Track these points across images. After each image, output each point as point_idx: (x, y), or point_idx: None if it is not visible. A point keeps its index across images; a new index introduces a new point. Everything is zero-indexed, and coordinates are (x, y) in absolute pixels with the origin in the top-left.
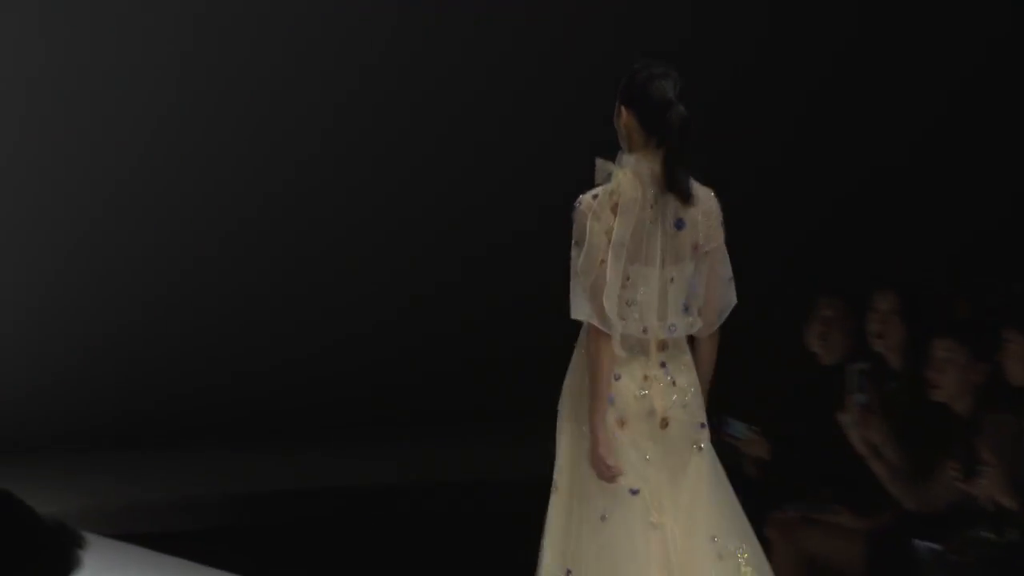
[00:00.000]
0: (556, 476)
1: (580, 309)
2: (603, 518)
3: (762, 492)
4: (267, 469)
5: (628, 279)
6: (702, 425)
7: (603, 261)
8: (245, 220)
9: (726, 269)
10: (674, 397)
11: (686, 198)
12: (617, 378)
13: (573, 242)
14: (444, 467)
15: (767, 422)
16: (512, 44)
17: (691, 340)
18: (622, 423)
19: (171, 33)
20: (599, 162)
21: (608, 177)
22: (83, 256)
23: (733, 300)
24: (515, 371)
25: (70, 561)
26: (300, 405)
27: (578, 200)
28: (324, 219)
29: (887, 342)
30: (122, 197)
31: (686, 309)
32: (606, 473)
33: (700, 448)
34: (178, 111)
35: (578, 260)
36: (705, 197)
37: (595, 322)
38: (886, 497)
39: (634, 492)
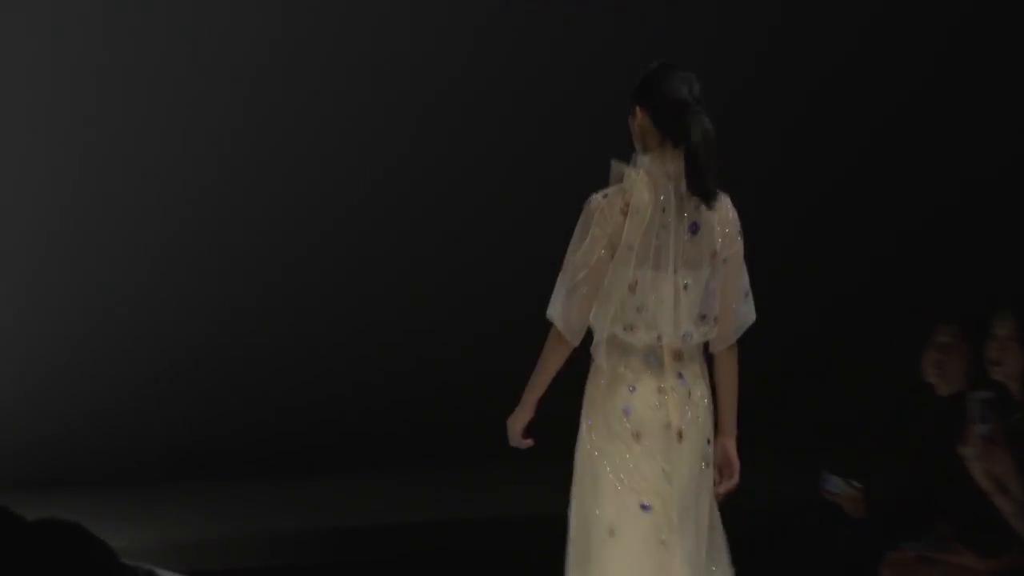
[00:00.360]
0: (580, 481)
1: (553, 307)
2: (611, 532)
3: (877, 531)
4: (346, 502)
5: (636, 284)
6: (708, 441)
7: (593, 265)
8: (308, 254)
9: (743, 281)
10: (689, 411)
11: (709, 200)
12: (632, 389)
13: (574, 236)
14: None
15: (871, 463)
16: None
17: (708, 356)
18: (638, 436)
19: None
20: (614, 163)
21: (622, 179)
22: (143, 290)
23: (751, 316)
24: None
25: None
26: (371, 435)
27: (589, 198)
28: (379, 257)
29: (1006, 370)
30: (189, 232)
31: (702, 318)
32: (512, 438)
33: (706, 465)
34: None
35: (572, 256)
36: (723, 203)
37: (559, 326)
38: (1011, 535)
39: (645, 508)
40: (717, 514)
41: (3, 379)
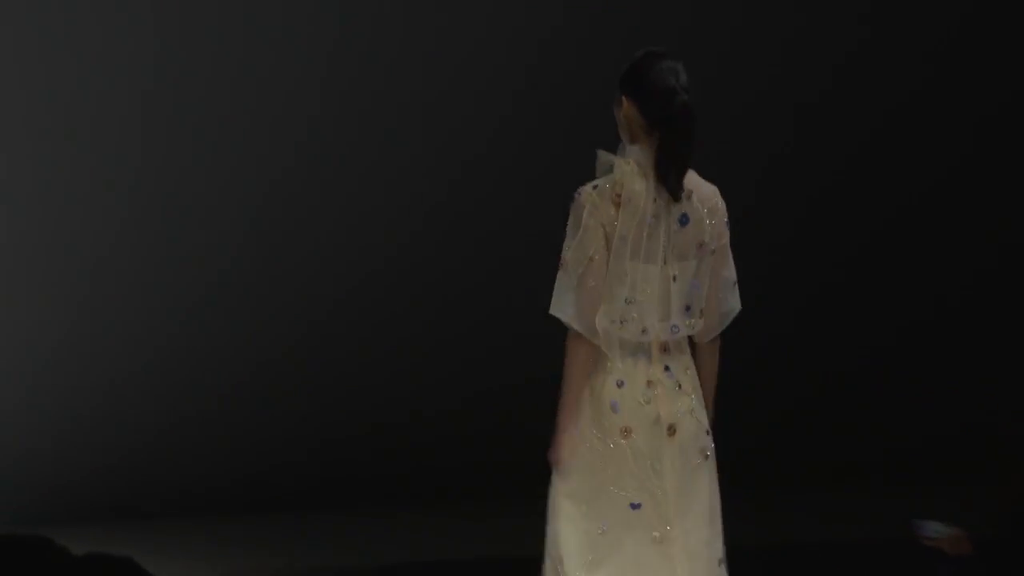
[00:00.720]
0: (560, 483)
1: (562, 307)
2: (602, 531)
3: (984, 567)
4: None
5: (627, 276)
6: (708, 432)
7: (594, 256)
8: (363, 283)
9: (730, 271)
10: (680, 403)
11: (676, 193)
12: (620, 384)
13: (567, 232)
14: None
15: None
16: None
17: (692, 346)
18: (627, 432)
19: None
20: (600, 154)
21: (610, 169)
22: (200, 319)
23: (736, 306)
24: None
25: None
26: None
27: (578, 191)
28: (436, 291)
29: None
30: (248, 256)
31: (687, 309)
32: (556, 465)
33: (707, 456)
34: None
35: (568, 252)
36: (711, 194)
37: (575, 325)
38: None
39: (635, 507)
40: (718, 502)
41: (53, 409)
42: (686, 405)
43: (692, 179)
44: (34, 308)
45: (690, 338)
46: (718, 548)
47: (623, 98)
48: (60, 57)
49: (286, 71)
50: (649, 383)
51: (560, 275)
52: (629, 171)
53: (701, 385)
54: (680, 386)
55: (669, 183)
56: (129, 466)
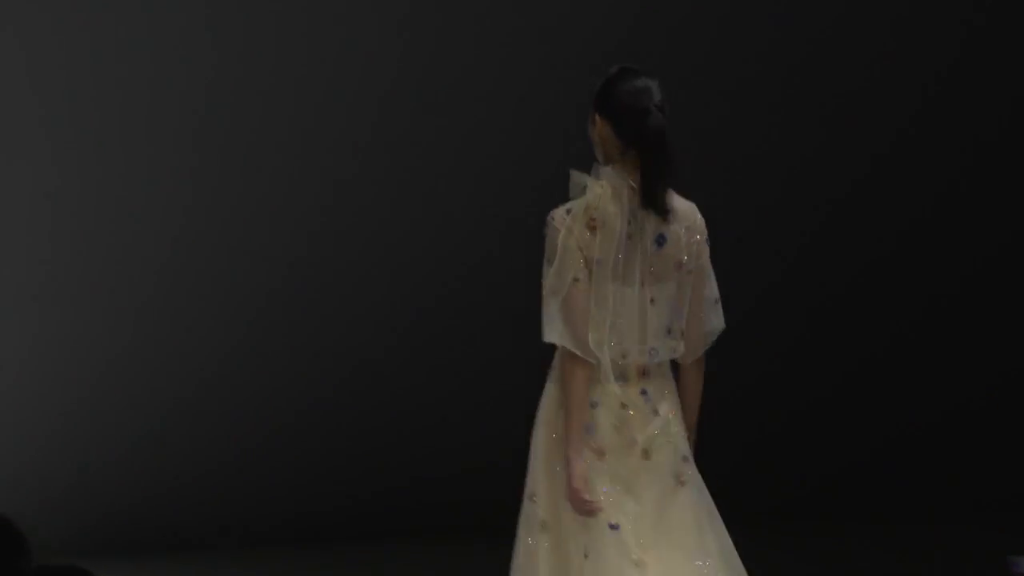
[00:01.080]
0: (534, 509)
1: (552, 331)
2: (586, 555)
3: None
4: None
5: (606, 299)
6: (685, 459)
7: (576, 280)
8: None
9: (711, 290)
10: (656, 428)
11: (664, 214)
12: (594, 406)
13: (545, 259)
14: None
15: None
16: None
17: (675, 367)
18: (601, 453)
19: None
20: (574, 174)
21: (583, 191)
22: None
23: (720, 325)
24: None
25: None
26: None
27: (551, 215)
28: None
29: None
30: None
31: (668, 332)
32: (582, 508)
33: (683, 483)
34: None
35: (549, 279)
36: (689, 211)
37: (568, 345)
38: None
39: (613, 527)
40: (722, 527)
41: (95, 441)
42: (661, 430)
43: (670, 197)
44: (67, 350)
45: (673, 361)
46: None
47: (596, 117)
48: (111, 68)
49: (363, 94)
50: (623, 406)
51: (546, 302)
52: (602, 193)
53: (685, 408)
54: (657, 411)
55: (656, 203)
56: (155, 500)
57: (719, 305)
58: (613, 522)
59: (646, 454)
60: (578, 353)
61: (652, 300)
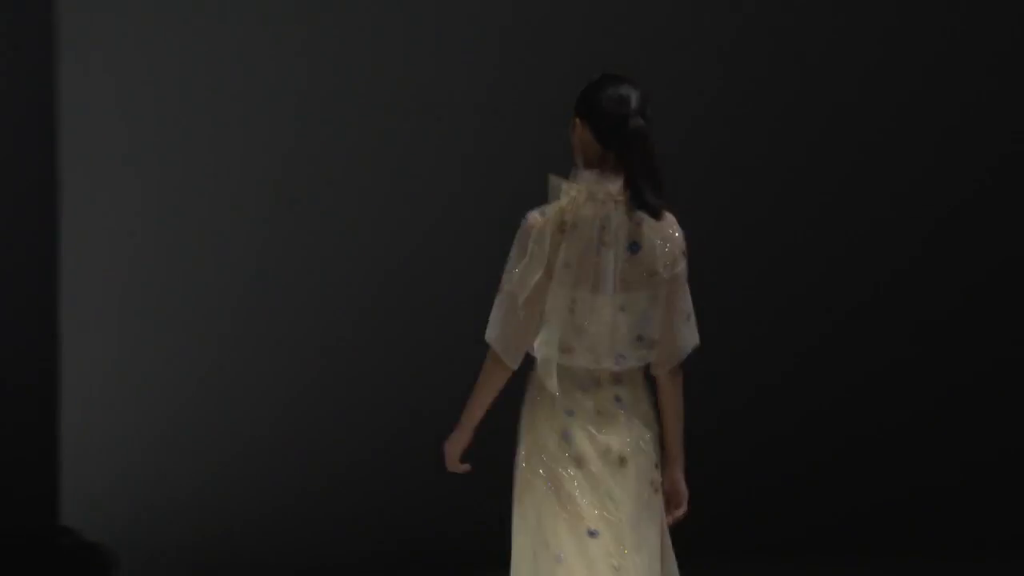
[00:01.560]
0: (521, 509)
1: (491, 329)
2: (558, 559)
3: None
4: None
5: (575, 305)
6: (656, 466)
7: (535, 284)
8: None
9: (685, 303)
10: (630, 434)
11: (654, 214)
12: (570, 414)
13: (510, 257)
14: None
15: None
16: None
17: (652, 382)
18: (579, 462)
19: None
20: (552, 178)
21: (560, 194)
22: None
23: (693, 341)
24: None
25: None
26: None
27: (526, 216)
28: None
29: None
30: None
31: (639, 339)
32: (445, 460)
33: (656, 490)
34: None
35: (509, 276)
36: (667, 222)
37: (497, 348)
38: None
39: (592, 534)
40: (668, 541)
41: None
42: (637, 437)
43: (657, 198)
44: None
45: (651, 373)
46: None
47: (576, 121)
48: (203, 80)
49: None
50: (599, 413)
51: (497, 298)
52: (577, 197)
53: (665, 422)
54: (631, 418)
55: (646, 204)
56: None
57: (691, 320)
58: (592, 529)
59: (622, 461)
60: (502, 357)
61: (622, 307)
